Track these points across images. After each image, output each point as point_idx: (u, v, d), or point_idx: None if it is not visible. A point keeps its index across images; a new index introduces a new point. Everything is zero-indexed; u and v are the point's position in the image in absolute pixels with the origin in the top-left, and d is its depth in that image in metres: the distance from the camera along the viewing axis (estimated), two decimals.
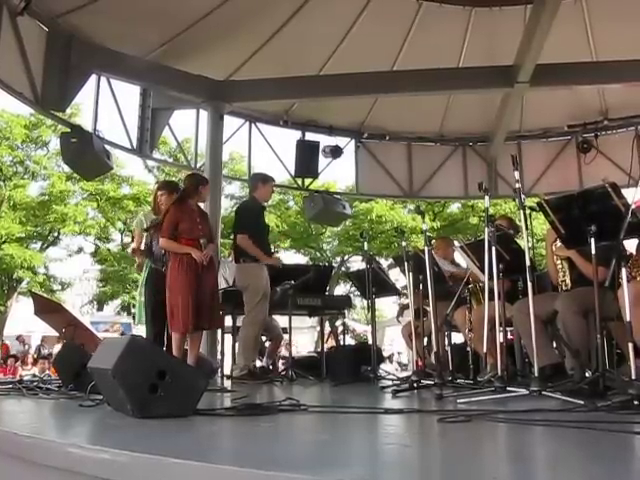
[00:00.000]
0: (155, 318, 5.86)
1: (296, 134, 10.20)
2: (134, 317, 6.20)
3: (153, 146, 9.39)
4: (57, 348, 12.24)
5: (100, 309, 27.50)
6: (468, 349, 5.41)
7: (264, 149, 10.30)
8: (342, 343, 8.22)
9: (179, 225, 5.47)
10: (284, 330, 7.05)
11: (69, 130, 7.80)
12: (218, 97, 8.66)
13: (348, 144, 10.57)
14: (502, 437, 2.53)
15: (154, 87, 8.79)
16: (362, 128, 10.51)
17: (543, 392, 3.36)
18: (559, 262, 4.71)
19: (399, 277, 6.38)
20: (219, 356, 7.42)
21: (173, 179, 16.38)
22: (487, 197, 4.15)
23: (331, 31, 8.81)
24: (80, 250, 26.68)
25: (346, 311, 7.92)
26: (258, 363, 6.88)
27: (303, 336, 19.41)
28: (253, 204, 6.65)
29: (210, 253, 5.54)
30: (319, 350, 8.22)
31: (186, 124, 10.78)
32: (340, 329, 8.30)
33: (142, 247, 6.21)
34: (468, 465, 1.83)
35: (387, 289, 6.37)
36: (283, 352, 9.28)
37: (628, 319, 3.20)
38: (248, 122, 10.09)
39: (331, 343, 9.28)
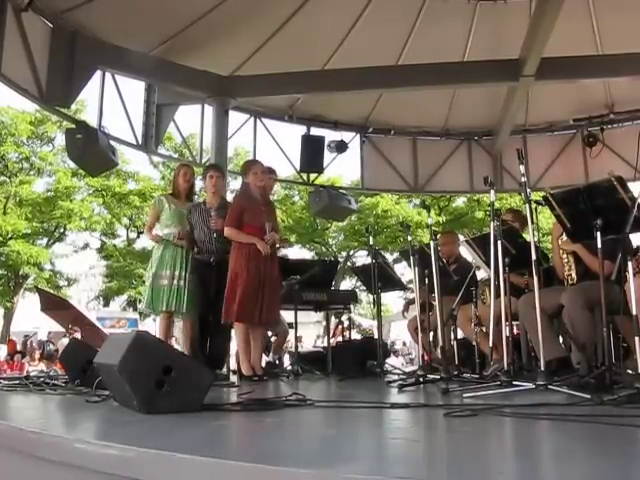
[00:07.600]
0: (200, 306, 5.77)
1: (301, 129, 10.19)
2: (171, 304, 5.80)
3: (158, 142, 9.39)
4: (63, 344, 12.27)
5: (106, 305, 27.60)
6: (474, 343, 5.40)
7: (269, 144, 10.31)
8: (348, 338, 8.21)
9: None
10: (290, 325, 7.06)
11: (74, 126, 7.81)
12: (223, 92, 8.64)
13: (353, 139, 10.55)
14: (508, 431, 2.52)
15: (159, 83, 8.78)
16: (367, 123, 10.49)
17: (549, 386, 3.36)
18: (565, 256, 4.69)
19: (404, 271, 6.39)
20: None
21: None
22: (493, 191, 4.16)
23: (335, 26, 8.79)
24: (86, 246, 26.84)
25: (352, 306, 7.90)
26: (265, 358, 6.89)
27: (309, 331, 19.42)
28: None
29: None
30: (325, 345, 8.21)
31: (191, 119, 10.79)
32: (346, 324, 8.28)
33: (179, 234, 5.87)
34: (474, 460, 1.82)
35: (393, 284, 6.36)
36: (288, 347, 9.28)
37: (634, 313, 3.19)
38: (253, 117, 10.09)
39: (337, 338, 9.26)
